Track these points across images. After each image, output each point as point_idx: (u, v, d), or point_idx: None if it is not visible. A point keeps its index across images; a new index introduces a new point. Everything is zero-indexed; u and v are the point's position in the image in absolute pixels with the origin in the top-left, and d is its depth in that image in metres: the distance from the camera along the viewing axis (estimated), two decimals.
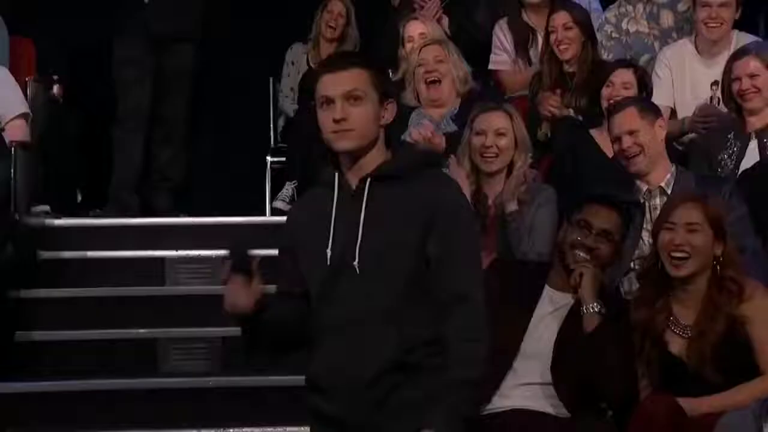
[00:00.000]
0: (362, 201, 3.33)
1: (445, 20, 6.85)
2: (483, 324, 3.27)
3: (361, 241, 3.31)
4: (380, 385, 3.29)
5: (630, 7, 6.36)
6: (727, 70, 5.38)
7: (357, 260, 3.31)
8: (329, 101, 3.31)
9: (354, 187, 3.35)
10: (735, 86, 5.32)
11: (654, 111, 4.90)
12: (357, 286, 3.31)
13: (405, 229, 3.29)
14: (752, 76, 5.28)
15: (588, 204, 4.32)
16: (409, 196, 3.30)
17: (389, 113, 3.37)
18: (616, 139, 4.81)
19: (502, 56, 6.60)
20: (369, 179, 3.33)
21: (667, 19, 6.36)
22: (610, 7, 6.52)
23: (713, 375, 3.97)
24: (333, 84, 3.31)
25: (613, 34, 6.38)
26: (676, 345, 4.05)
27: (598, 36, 6.23)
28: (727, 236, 4.12)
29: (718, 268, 4.07)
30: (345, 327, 3.33)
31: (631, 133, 4.75)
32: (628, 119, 4.79)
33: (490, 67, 6.60)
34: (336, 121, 3.29)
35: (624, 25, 6.36)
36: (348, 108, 3.30)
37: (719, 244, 4.08)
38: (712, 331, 3.99)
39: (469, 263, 3.32)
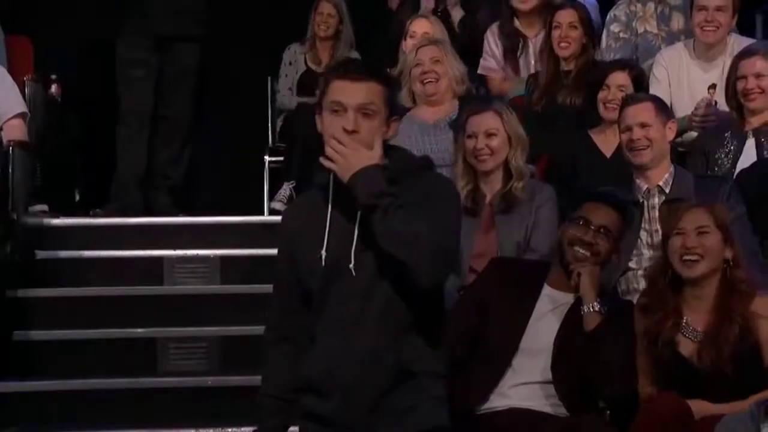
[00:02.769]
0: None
1: (459, 12, 6.86)
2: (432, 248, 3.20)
3: (356, 243, 3.32)
4: (377, 386, 3.31)
5: (640, 6, 6.34)
6: (733, 68, 5.37)
7: (352, 263, 3.31)
8: (342, 109, 3.30)
9: (349, 189, 3.33)
10: (740, 84, 5.32)
11: (668, 112, 4.91)
12: (353, 288, 3.32)
13: None
14: (758, 75, 5.28)
15: (587, 202, 4.34)
16: (404, 198, 3.27)
17: (392, 130, 3.37)
18: (627, 129, 4.78)
19: (490, 62, 6.59)
20: None
21: (677, 22, 6.33)
22: (619, 4, 6.45)
23: (732, 373, 3.97)
24: (349, 93, 3.30)
25: (621, 34, 6.35)
26: (687, 349, 4.05)
27: (605, 35, 6.23)
28: (734, 240, 4.12)
29: (729, 271, 4.07)
30: (341, 329, 3.33)
31: (643, 126, 4.75)
32: (644, 112, 4.78)
33: (479, 71, 6.58)
34: (347, 132, 3.28)
35: (633, 24, 6.35)
36: (360, 121, 3.29)
37: (728, 247, 4.09)
38: (728, 332, 3.98)
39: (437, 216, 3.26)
